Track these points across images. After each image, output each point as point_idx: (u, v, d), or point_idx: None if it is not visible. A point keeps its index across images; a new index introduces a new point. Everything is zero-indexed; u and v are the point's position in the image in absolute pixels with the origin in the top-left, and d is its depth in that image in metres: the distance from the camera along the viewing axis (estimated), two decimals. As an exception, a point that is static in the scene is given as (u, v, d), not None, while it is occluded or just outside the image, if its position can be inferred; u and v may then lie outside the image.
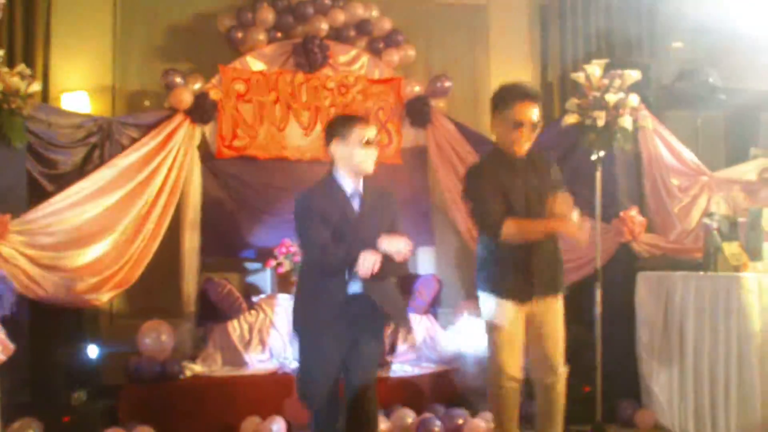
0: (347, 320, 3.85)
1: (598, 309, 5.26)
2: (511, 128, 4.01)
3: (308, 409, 4.02)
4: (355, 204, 3.90)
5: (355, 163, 3.86)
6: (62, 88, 6.50)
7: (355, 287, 3.84)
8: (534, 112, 4.01)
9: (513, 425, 4.17)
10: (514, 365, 4.09)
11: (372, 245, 3.74)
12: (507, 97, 4.05)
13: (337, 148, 3.89)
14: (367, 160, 3.86)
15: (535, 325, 4.13)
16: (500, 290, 4.09)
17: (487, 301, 4.14)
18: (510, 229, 3.94)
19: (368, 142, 3.85)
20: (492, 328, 4.12)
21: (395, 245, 3.76)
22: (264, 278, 6.60)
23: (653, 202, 5.97)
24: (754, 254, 4.99)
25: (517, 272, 4.06)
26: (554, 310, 4.15)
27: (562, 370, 4.17)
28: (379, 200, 3.96)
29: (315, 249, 3.84)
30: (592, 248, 5.49)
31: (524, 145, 4.06)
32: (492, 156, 4.17)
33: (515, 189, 4.04)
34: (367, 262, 3.68)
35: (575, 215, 3.93)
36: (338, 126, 3.92)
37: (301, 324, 3.99)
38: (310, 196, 3.89)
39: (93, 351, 5.26)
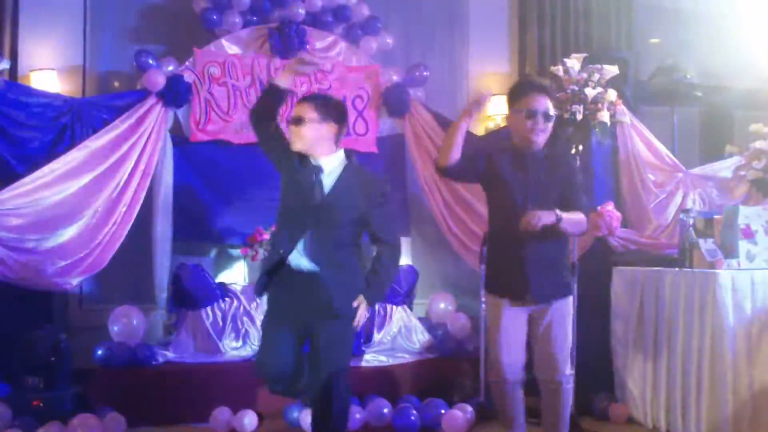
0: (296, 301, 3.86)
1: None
2: (524, 119, 4.04)
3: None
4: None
5: None
6: (31, 66, 6.32)
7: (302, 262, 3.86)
8: (544, 103, 4.05)
9: (517, 422, 4.23)
10: (511, 364, 4.12)
11: None
12: (518, 90, 4.14)
13: None
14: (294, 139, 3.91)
15: (539, 326, 4.14)
16: (495, 288, 4.15)
17: (486, 298, 4.21)
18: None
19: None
20: (490, 327, 4.18)
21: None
22: (239, 265, 6.53)
23: (629, 197, 6.00)
24: (730, 251, 5.03)
25: (512, 271, 4.06)
26: (560, 313, 4.14)
27: (569, 372, 4.19)
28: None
29: None
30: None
31: (539, 135, 4.06)
32: (502, 143, 4.25)
33: (517, 182, 4.05)
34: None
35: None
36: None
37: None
38: None
39: (63, 335, 5.14)
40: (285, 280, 3.88)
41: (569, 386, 4.22)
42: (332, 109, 3.92)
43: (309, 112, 3.85)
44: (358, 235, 3.95)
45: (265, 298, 4.00)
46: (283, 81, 3.94)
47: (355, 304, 3.82)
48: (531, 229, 3.85)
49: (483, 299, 4.29)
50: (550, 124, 4.10)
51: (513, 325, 4.10)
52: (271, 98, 3.93)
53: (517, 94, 4.11)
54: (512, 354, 4.11)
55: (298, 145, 3.87)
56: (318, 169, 3.87)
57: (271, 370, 3.92)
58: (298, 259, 3.83)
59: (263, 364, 3.94)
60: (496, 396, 4.25)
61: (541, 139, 4.08)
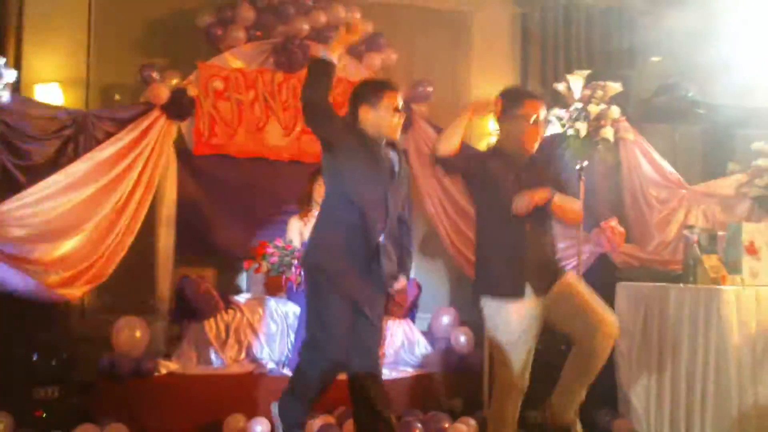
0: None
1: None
2: (526, 125, 4.03)
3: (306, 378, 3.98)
4: None
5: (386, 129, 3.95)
6: (35, 78, 6.35)
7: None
8: (542, 112, 4.08)
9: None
10: (521, 375, 4.03)
11: None
12: (517, 95, 4.13)
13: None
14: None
15: (555, 310, 4.06)
16: (495, 290, 4.03)
17: (487, 304, 4.08)
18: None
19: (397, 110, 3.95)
20: (497, 335, 4.06)
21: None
22: (241, 277, 6.53)
23: (633, 213, 6.03)
24: (733, 268, 5.06)
25: (510, 267, 3.99)
26: (570, 287, 4.10)
27: (611, 318, 4.07)
28: None
29: None
30: (572, 256, 5.53)
31: (536, 142, 4.09)
32: (492, 152, 4.22)
33: (507, 185, 4.01)
34: None
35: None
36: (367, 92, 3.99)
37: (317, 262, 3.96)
38: None
39: (66, 346, 5.13)
40: (361, 255, 3.88)
41: None
42: None
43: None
44: None
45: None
46: (335, 55, 3.80)
47: (397, 284, 4.04)
48: (524, 207, 3.84)
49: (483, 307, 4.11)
50: (543, 132, 4.20)
51: (522, 328, 3.99)
52: (328, 77, 3.79)
53: (515, 100, 4.08)
54: (524, 364, 4.02)
55: (533, 145, 4.06)
56: (383, 147, 3.99)
57: (342, 352, 3.88)
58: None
59: (339, 348, 3.87)
60: (507, 409, 4.07)
61: (535, 146, 4.12)
